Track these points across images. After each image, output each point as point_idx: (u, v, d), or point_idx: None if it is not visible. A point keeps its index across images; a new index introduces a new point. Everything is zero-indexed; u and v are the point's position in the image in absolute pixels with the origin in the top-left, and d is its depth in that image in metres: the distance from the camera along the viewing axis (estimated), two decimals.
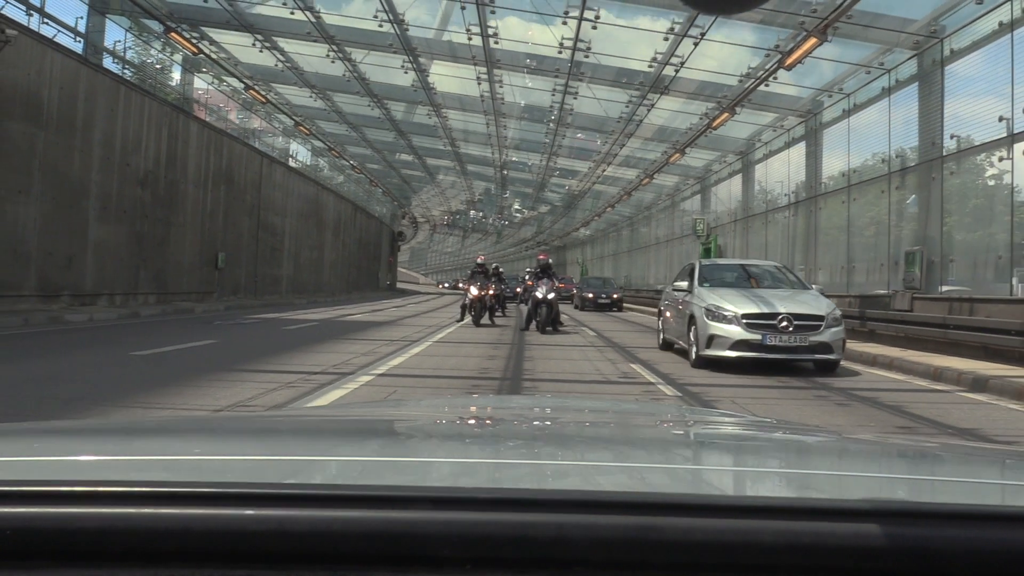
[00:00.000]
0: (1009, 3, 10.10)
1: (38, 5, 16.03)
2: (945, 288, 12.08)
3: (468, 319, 16.72)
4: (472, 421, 1.62)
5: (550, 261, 16.57)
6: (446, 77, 19.84)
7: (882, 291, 13.13)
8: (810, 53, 12.33)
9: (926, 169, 12.21)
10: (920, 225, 12.50)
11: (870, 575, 0.63)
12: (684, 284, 10.43)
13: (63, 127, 16.50)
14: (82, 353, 9.84)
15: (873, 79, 13.98)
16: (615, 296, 28.15)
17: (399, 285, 66.86)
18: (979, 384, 8.21)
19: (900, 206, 13.35)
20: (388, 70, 19.51)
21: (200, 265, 23.86)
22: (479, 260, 18.10)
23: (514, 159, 31.79)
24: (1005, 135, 10.29)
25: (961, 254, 11.92)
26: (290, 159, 35.20)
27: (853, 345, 11.16)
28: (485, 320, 16.84)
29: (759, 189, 21.36)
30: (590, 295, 28.16)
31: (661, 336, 11.76)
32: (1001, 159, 10.45)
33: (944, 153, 11.80)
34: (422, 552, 0.63)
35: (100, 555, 0.63)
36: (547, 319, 14.75)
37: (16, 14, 15.55)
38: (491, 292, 17.20)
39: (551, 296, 14.81)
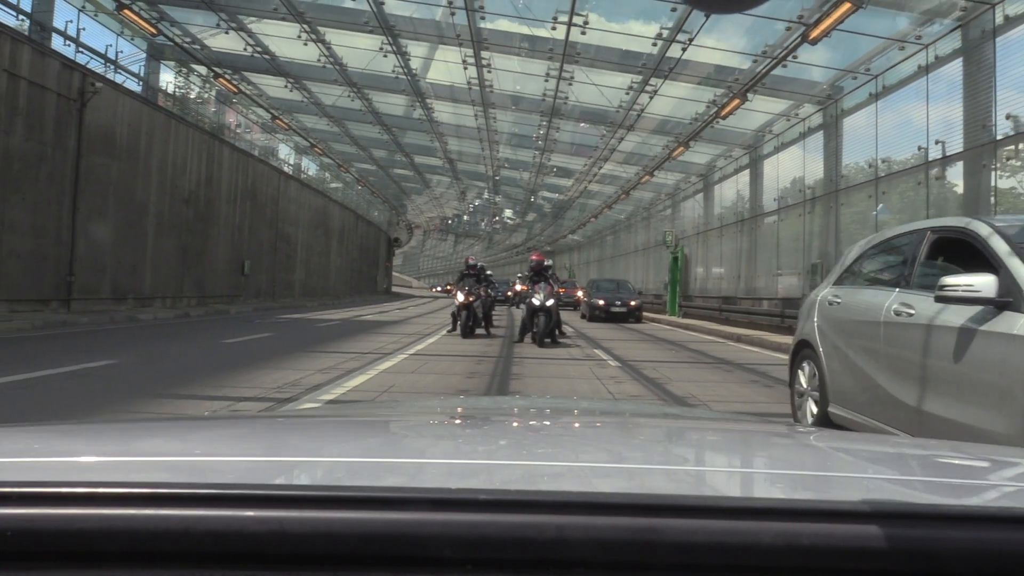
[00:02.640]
0: (873, 81, 13.63)
1: (112, 57, 19.35)
2: None
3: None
4: (471, 422, 1.62)
5: (547, 263, 14.11)
6: (448, 113, 23.34)
7: (795, 295, 16.63)
8: (738, 108, 15.80)
9: (825, 200, 15.76)
10: (822, 242, 16.04)
11: None
12: (968, 283, 3.65)
13: (130, 157, 19.79)
14: (185, 341, 13.13)
15: (792, 125, 17.54)
16: (633, 304, 22.97)
17: (394, 289, 70.12)
18: None
19: (810, 226, 16.85)
20: (399, 107, 22.96)
21: (230, 272, 27.13)
22: (469, 261, 15.70)
23: (506, 167, 34.79)
24: (872, 178, 13.85)
25: None
26: (301, 173, 38.53)
27: (775, 337, 14.58)
28: (480, 331, 14.99)
29: (717, 207, 24.88)
30: (600, 302, 22.69)
31: (808, 409, 5.40)
32: (868, 196, 14.01)
33: (837, 188, 15.34)
34: (422, 553, 0.63)
35: (101, 556, 0.63)
36: (545, 330, 12.70)
37: (94, 65, 18.96)
38: (482, 296, 15.09)
39: (550, 303, 12.80)
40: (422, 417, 1.71)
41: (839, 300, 5.16)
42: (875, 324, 4.49)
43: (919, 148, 12.28)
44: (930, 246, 4.45)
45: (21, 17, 16.45)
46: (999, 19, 10.49)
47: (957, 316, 3.78)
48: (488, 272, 17.55)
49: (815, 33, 11.28)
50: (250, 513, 0.64)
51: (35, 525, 0.63)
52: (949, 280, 3.72)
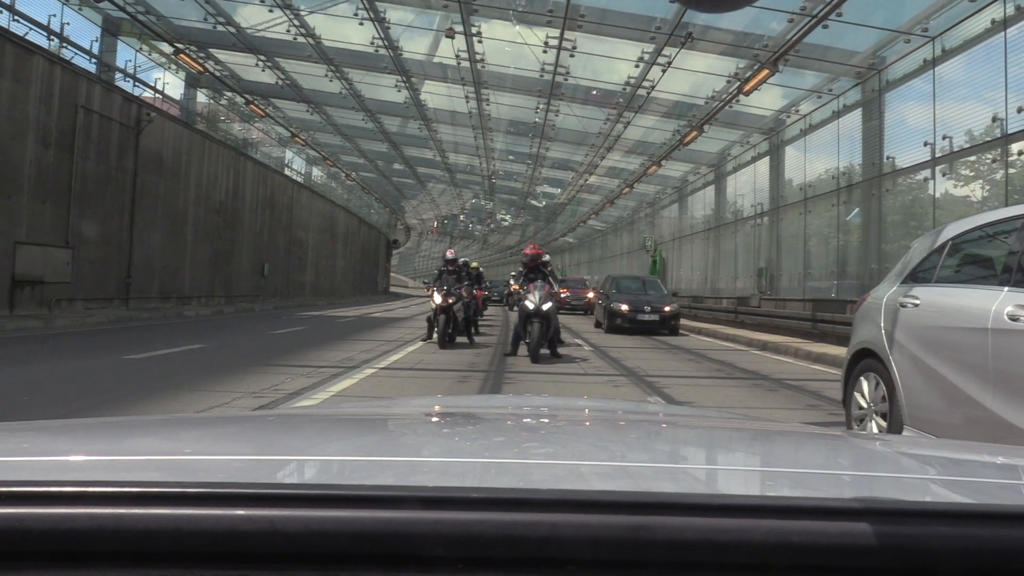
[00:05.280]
0: (802, 120, 16.69)
1: (159, 88, 22.29)
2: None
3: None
4: (463, 420, 1.62)
5: (545, 257, 11.65)
6: (450, 134, 26.43)
7: (747, 295, 19.70)
8: (697, 138, 18.86)
9: (771, 214, 18.86)
10: (768, 251, 19.12)
11: (860, 573, 0.64)
12: None
13: (174, 175, 22.70)
14: (240, 332, 16.00)
15: (745, 150, 20.69)
16: (667, 309, 17.16)
17: (392, 289, 72.88)
18: (764, 347, 14.66)
19: (759, 237, 19.90)
20: (406, 127, 25.99)
21: (251, 274, 30.01)
22: (448, 255, 13.44)
23: (500, 175, 37.68)
24: (801, 198, 16.94)
25: (785, 270, 18.57)
26: (304, 178, 41.50)
27: (728, 330, 17.59)
28: (462, 338, 13.25)
29: (689, 216, 27.96)
30: (622, 307, 17.06)
31: (872, 431, 4.79)
32: (799, 213, 17.10)
33: (779, 205, 18.42)
34: (414, 552, 0.63)
35: (90, 556, 0.63)
36: (539, 340, 10.40)
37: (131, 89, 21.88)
38: (464, 298, 12.99)
39: (547, 306, 10.52)
40: (415, 415, 1.72)
41: (916, 301, 4.30)
42: (978, 332, 3.66)
43: (832, 177, 15.36)
44: None
45: (92, 59, 19.33)
46: (883, 82, 13.56)
47: None
48: (477, 267, 15.65)
49: (748, 87, 14.29)
50: (241, 512, 0.64)
51: (24, 524, 0.63)
52: None
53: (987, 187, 11.25)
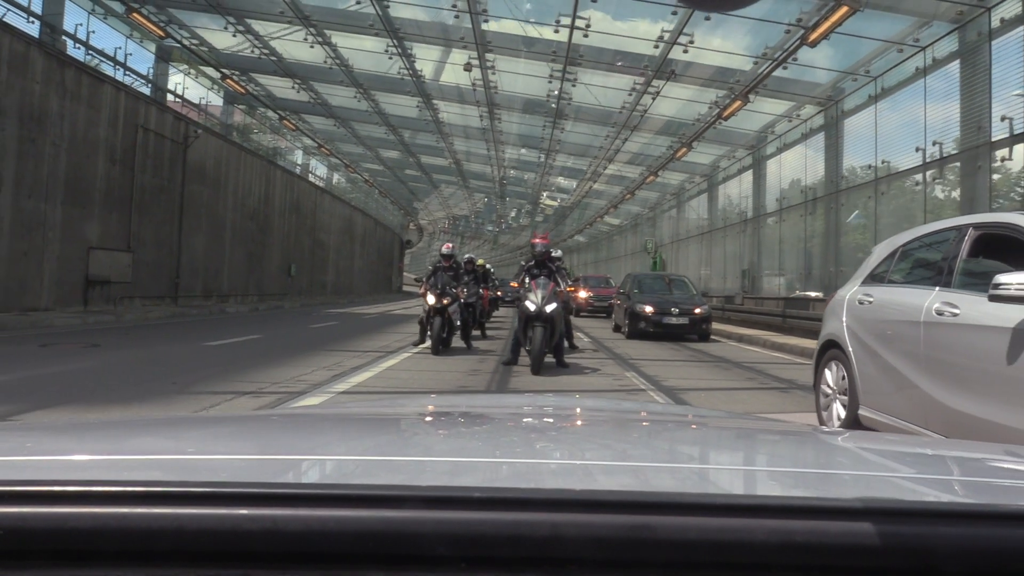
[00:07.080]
0: (778, 139, 18.83)
1: (201, 105, 24.64)
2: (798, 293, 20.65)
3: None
4: (466, 419, 1.62)
5: (555, 252, 10.77)
6: (463, 148, 28.76)
7: (733, 294, 21.90)
8: (687, 153, 21.06)
9: (753, 221, 21.05)
10: (751, 254, 21.31)
11: (863, 573, 0.64)
12: None
13: (215, 184, 25.07)
14: (284, 326, 18.18)
15: (731, 164, 22.84)
16: (698, 312, 15.47)
17: (404, 288, 75.02)
18: (740, 339, 16.79)
19: (743, 241, 22.06)
20: (422, 138, 28.32)
21: (280, 274, 32.36)
22: (444, 249, 12.32)
23: (511, 179, 39.62)
24: (777, 208, 19.11)
25: (764, 272, 20.78)
26: (326, 183, 43.87)
27: (715, 325, 19.75)
28: (460, 343, 12.12)
29: (686, 221, 30.13)
30: (647, 309, 15.33)
31: (836, 411, 5.53)
32: (775, 221, 19.27)
33: (760, 214, 20.60)
34: (416, 551, 0.63)
35: (94, 555, 0.63)
36: (542, 347, 8.99)
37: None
38: (460, 299, 11.72)
39: (551, 308, 9.15)
40: (420, 414, 1.73)
41: (871, 299, 4.99)
42: (914, 324, 4.29)
43: (801, 191, 17.55)
44: (972, 243, 4.28)
45: (147, 83, 21.72)
46: (840, 111, 15.75)
47: (1013, 315, 3.61)
48: (484, 265, 14.86)
49: (726, 114, 16.48)
50: (243, 511, 0.64)
51: (28, 524, 0.63)
52: (1004, 279, 3.61)
53: (914, 204, 13.43)
